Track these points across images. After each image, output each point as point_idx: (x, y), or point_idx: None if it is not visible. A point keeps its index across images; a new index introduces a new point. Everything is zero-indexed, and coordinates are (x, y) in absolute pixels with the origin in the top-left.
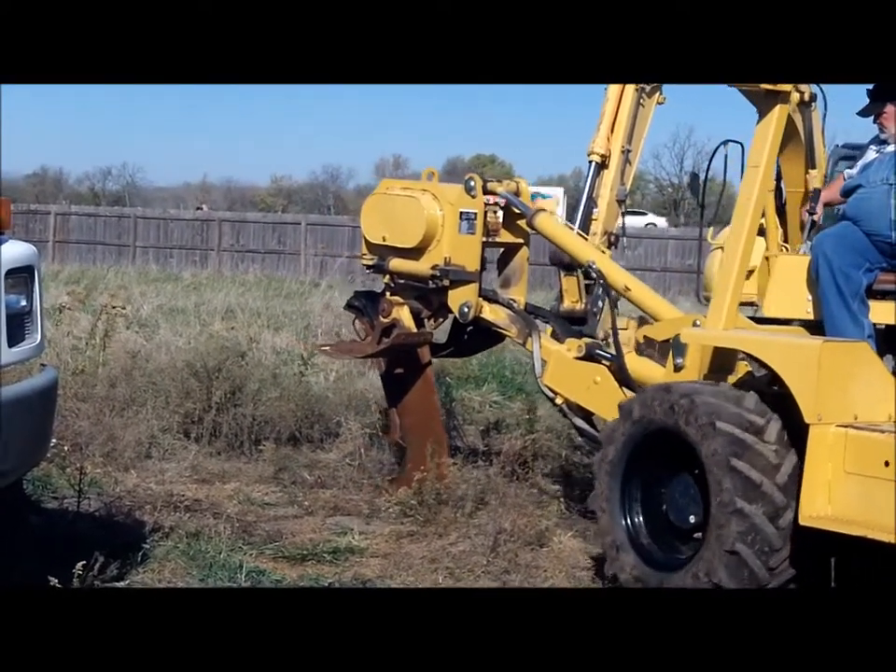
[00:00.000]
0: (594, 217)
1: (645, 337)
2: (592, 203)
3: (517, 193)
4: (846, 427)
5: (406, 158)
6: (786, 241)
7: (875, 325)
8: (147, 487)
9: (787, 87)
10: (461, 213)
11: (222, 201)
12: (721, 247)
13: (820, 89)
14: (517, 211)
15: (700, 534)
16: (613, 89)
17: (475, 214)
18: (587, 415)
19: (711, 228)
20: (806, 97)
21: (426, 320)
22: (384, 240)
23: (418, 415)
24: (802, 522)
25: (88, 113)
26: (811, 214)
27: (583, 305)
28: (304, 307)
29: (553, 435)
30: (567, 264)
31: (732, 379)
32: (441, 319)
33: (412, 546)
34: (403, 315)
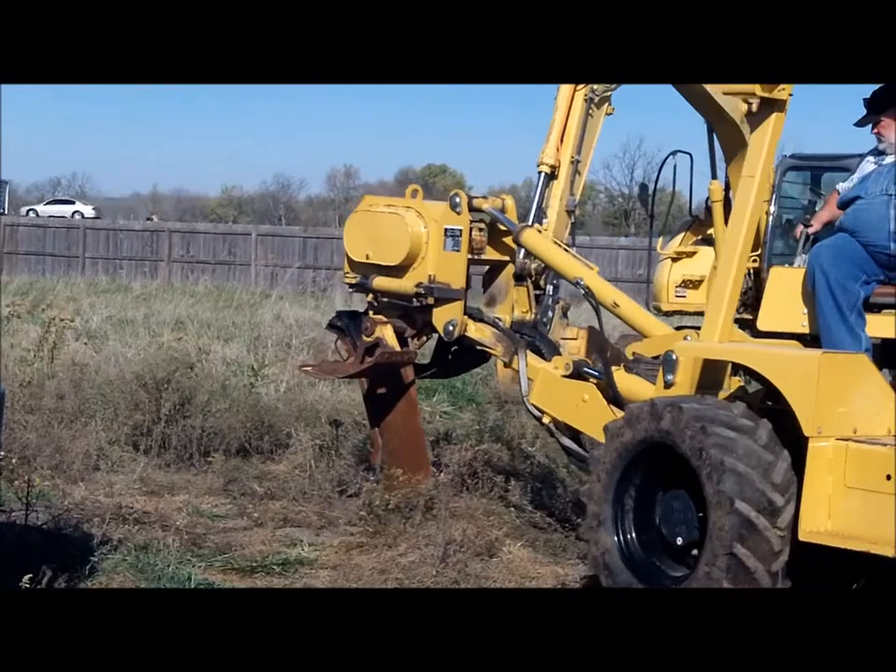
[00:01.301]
0: (543, 227)
1: (634, 353)
2: (541, 213)
3: (503, 210)
4: (846, 440)
5: (357, 168)
6: None
7: (871, 338)
8: (96, 500)
9: (783, 95)
10: (446, 230)
11: (172, 211)
12: (671, 257)
13: None
14: (503, 228)
15: (696, 551)
16: (562, 99)
17: (460, 231)
18: (575, 435)
19: (661, 238)
20: (754, 109)
21: (409, 339)
22: (367, 258)
23: (402, 436)
24: (802, 537)
25: (36, 122)
26: (806, 226)
27: (533, 315)
28: (255, 318)
29: (503, 445)
30: (517, 275)
31: (723, 395)
32: (425, 338)
33: (361, 557)
34: (387, 333)
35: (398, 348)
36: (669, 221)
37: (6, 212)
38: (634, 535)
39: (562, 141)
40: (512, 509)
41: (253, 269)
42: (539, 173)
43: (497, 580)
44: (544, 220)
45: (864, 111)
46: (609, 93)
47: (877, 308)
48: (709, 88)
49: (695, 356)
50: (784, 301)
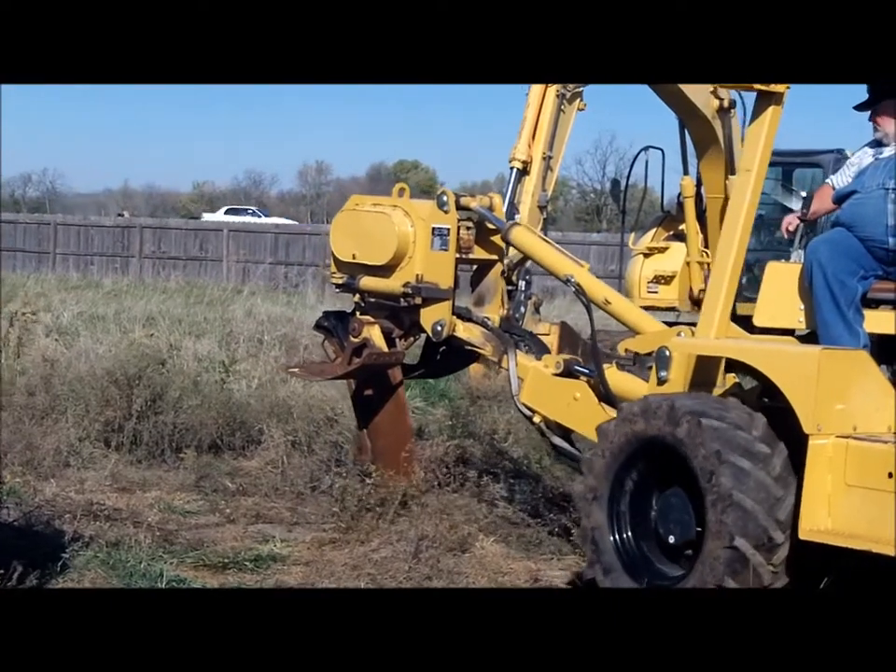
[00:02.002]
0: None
1: (627, 350)
2: (513, 209)
3: (490, 208)
4: (846, 438)
5: (329, 163)
6: (706, 247)
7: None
8: (67, 496)
9: (781, 88)
10: (433, 229)
11: (144, 207)
12: (643, 253)
13: (740, 96)
14: (491, 226)
15: (690, 551)
16: (534, 95)
17: (448, 230)
18: (566, 434)
19: (633, 233)
20: (726, 104)
21: (397, 340)
22: (354, 257)
23: (390, 437)
24: (802, 536)
25: (7, 118)
26: (802, 220)
27: (505, 311)
28: (226, 314)
29: (476, 441)
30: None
31: (719, 391)
32: (413, 339)
33: (334, 553)
34: (374, 334)
35: (385, 349)
36: (641, 217)
37: None
38: (630, 534)
39: (534, 137)
40: (485, 504)
41: (225, 264)
42: (511, 169)
43: (470, 575)
44: (516, 216)
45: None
46: (580, 89)
47: (875, 304)
48: (681, 84)
49: (691, 352)
50: (780, 297)
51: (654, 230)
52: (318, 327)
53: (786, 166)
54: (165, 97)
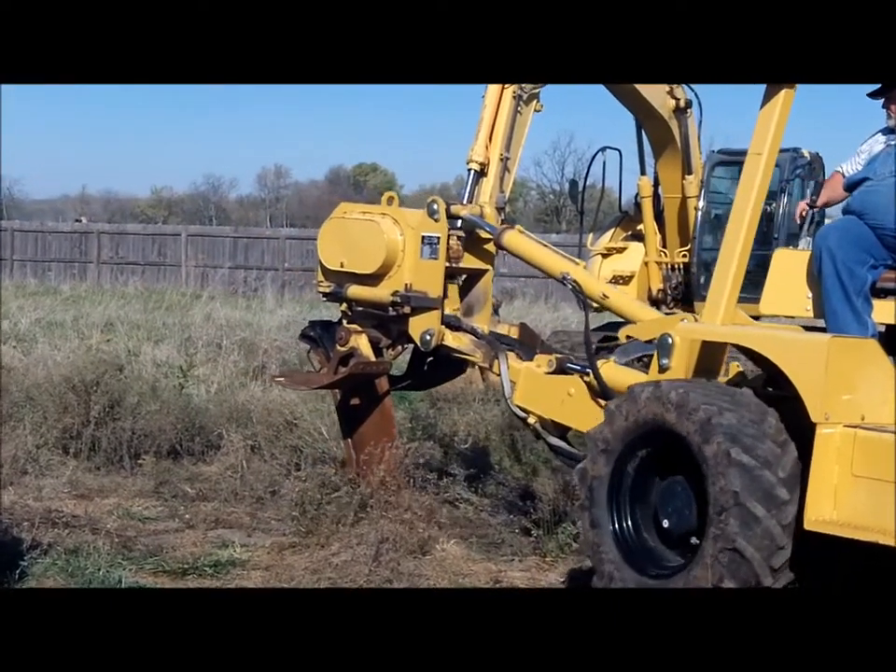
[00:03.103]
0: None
1: (628, 337)
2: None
3: (481, 216)
4: (854, 427)
5: (288, 167)
6: (664, 246)
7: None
8: (25, 504)
9: None
10: (423, 237)
11: (102, 212)
12: (601, 253)
13: (696, 95)
14: (483, 235)
15: (695, 539)
16: (491, 96)
17: (438, 238)
18: (562, 433)
19: (591, 234)
20: (682, 104)
21: (384, 350)
22: (341, 266)
23: (376, 449)
24: (807, 526)
25: None
26: (811, 207)
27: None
28: (185, 319)
29: (436, 442)
30: (449, 272)
31: (722, 380)
32: (401, 349)
33: (294, 557)
34: (362, 343)
35: (373, 358)
36: (599, 217)
37: None
38: (630, 522)
39: (491, 138)
40: (445, 506)
41: (183, 269)
42: (469, 170)
43: (431, 577)
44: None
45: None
46: (537, 90)
47: (884, 293)
48: (638, 84)
49: (698, 338)
50: (787, 285)
51: (612, 230)
52: (304, 336)
53: (741, 166)
54: (123, 100)
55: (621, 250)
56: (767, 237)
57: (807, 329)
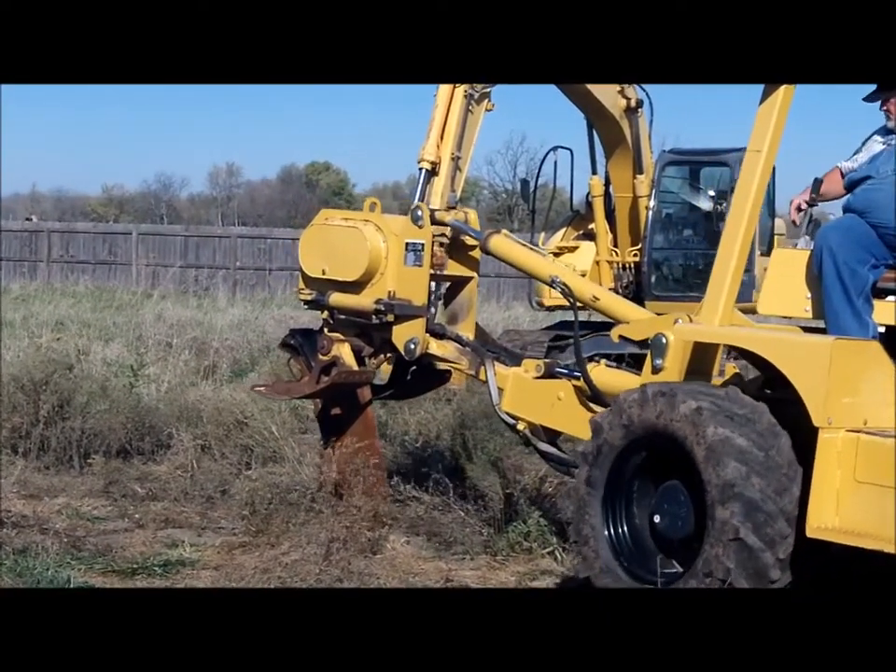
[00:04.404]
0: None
1: (620, 337)
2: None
3: (466, 222)
4: (856, 432)
5: (239, 165)
6: (615, 245)
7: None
8: None
9: None
10: (407, 244)
11: (52, 211)
12: (553, 252)
13: (647, 95)
14: (468, 241)
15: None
16: (442, 95)
17: (422, 245)
18: (552, 439)
19: (543, 233)
20: (633, 103)
21: (367, 358)
22: (323, 273)
23: (357, 459)
24: (809, 534)
25: None
26: (810, 205)
27: None
28: (136, 318)
29: (386, 442)
30: None
31: (718, 381)
32: (384, 357)
33: (244, 557)
34: (344, 352)
35: (355, 367)
36: (551, 217)
37: None
38: (626, 529)
39: (442, 137)
40: (396, 505)
41: (134, 268)
42: (420, 169)
43: (381, 576)
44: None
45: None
46: (488, 90)
47: (884, 294)
48: (588, 84)
49: (696, 339)
50: (786, 285)
51: (564, 229)
52: (284, 345)
53: (693, 165)
54: (74, 98)
55: (572, 249)
56: (718, 236)
57: (805, 329)
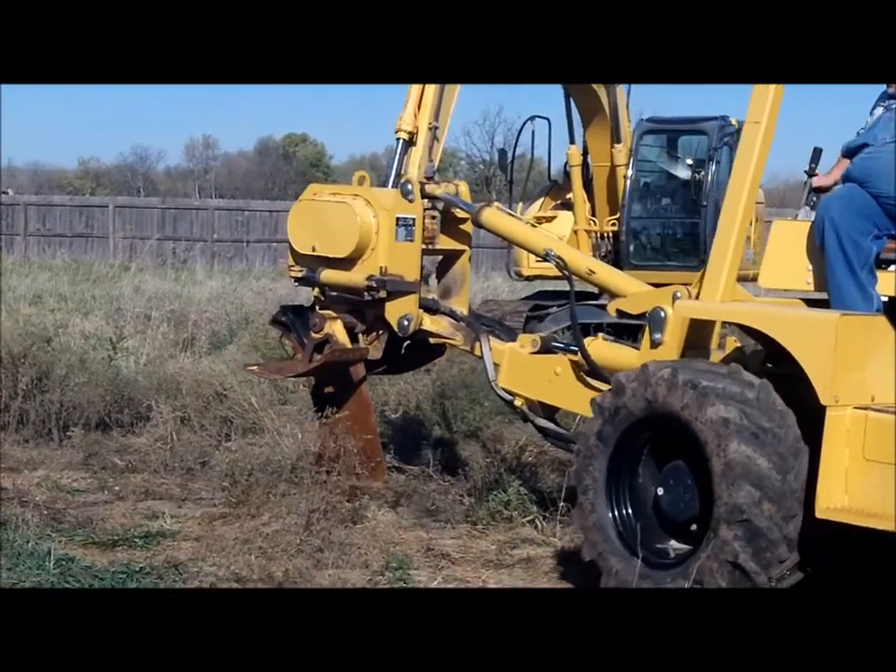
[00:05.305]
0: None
1: (617, 310)
2: (400, 180)
3: (457, 195)
4: (864, 409)
5: (216, 138)
6: (593, 215)
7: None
8: None
9: None
10: (398, 219)
11: (29, 184)
12: (531, 223)
13: None
14: (459, 214)
15: (695, 526)
16: None
17: (413, 219)
18: (550, 414)
19: (521, 203)
20: None
21: (360, 335)
22: (313, 250)
23: (352, 436)
24: (819, 514)
25: None
26: (811, 176)
27: None
28: (114, 291)
29: None
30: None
31: (717, 356)
32: (377, 334)
33: (224, 528)
34: (337, 329)
35: (349, 345)
36: (529, 187)
37: None
38: (633, 515)
39: (420, 107)
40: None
41: (111, 241)
42: (398, 139)
43: (362, 546)
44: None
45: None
46: None
47: (885, 264)
48: None
49: (696, 316)
50: (787, 257)
51: (542, 199)
52: (275, 322)
53: (671, 134)
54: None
55: (550, 219)
56: (696, 205)
57: (808, 302)
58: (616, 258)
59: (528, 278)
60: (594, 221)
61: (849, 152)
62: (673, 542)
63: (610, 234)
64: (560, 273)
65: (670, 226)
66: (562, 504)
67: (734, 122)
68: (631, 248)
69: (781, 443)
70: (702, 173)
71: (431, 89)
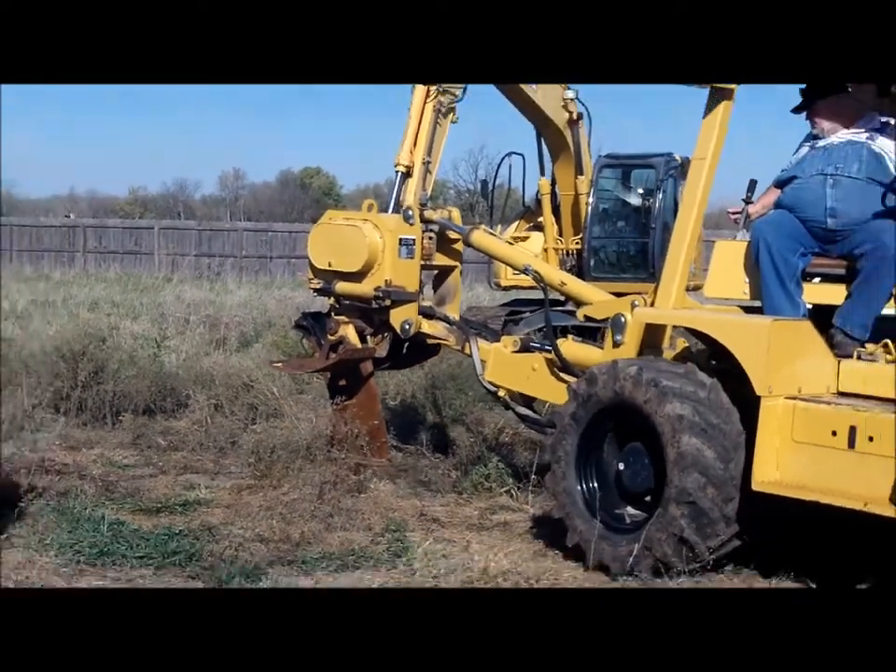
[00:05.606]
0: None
1: (585, 316)
2: (398, 207)
3: (450, 219)
4: (793, 399)
5: (244, 171)
6: (560, 235)
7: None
8: (23, 455)
9: (732, 85)
10: (400, 239)
11: (87, 210)
12: (508, 241)
13: (586, 109)
14: (452, 236)
15: (649, 497)
16: (415, 109)
17: (414, 240)
18: (528, 403)
19: (500, 225)
20: (575, 116)
21: (369, 337)
22: (329, 265)
23: (361, 422)
24: (755, 487)
25: None
26: (747, 203)
27: None
28: (158, 299)
29: None
30: None
31: (669, 354)
32: (383, 336)
33: (250, 497)
34: (349, 332)
35: (359, 345)
36: (506, 212)
37: None
38: (597, 486)
39: (415, 145)
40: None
41: (156, 257)
42: (396, 172)
43: (366, 512)
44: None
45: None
46: (454, 105)
47: (810, 277)
48: (537, 99)
49: (653, 321)
50: (728, 272)
51: (517, 222)
52: (297, 326)
53: (625, 168)
54: (104, 112)
55: (524, 238)
56: (646, 227)
57: (745, 309)
58: (580, 271)
59: (506, 288)
60: (560, 240)
61: (780, 183)
62: (629, 509)
63: (575, 251)
64: (533, 284)
65: (624, 244)
66: (533, 477)
67: (677, 158)
68: (592, 263)
69: (726, 437)
70: (651, 200)
71: (425, 129)
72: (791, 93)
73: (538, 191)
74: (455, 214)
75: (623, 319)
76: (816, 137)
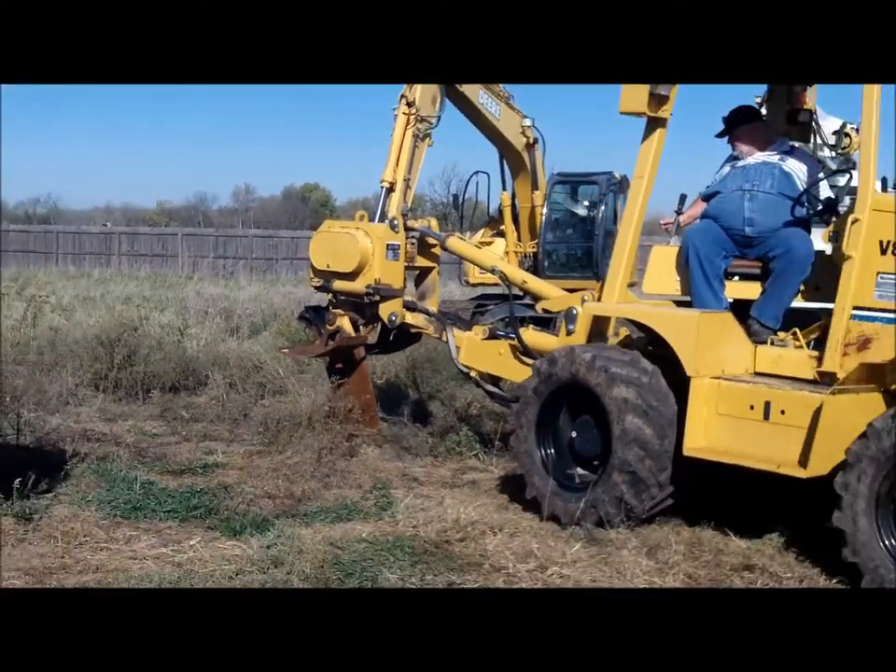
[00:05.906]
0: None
1: (543, 309)
2: (384, 217)
3: (429, 227)
4: (717, 378)
5: (254, 186)
6: (520, 240)
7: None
8: (68, 426)
9: (665, 115)
10: (387, 245)
11: (121, 219)
12: (476, 246)
13: (541, 134)
14: (431, 241)
15: (597, 462)
16: (396, 134)
17: (398, 245)
18: (495, 381)
19: (468, 232)
20: (531, 141)
21: (361, 327)
22: (328, 266)
23: (355, 399)
24: (686, 453)
25: (18, 152)
26: (679, 214)
27: None
28: (181, 294)
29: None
30: None
31: (613, 341)
32: (373, 326)
33: (260, 460)
34: (345, 323)
35: (353, 334)
36: (474, 221)
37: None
38: (553, 450)
39: (397, 164)
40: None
41: (180, 259)
42: (382, 187)
43: (356, 472)
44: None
45: (723, 126)
46: (430, 131)
47: (732, 276)
48: (500, 126)
49: (601, 314)
50: (663, 272)
51: (483, 229)
52: (301, 317)
53: (573, 184)
54: (135, 136)
55: (489, 243)
56: (591, 234)
57: (677, 303)
58: (536, 271)
59: (474, 285)
60: (520, 245)
61: (706, 197)
62: (579, 470)
63: (532, 254)
64: (497, 281)
65: (573, 248)
66: (497, 443)
67: (617, 176)
68: (546, 264)
69: (663, 417)
70: (595, 211)
71: (405, 151)
72: (716, 121)
73: (500, 204)
74: (434, 223)
75: (574, 312)
76: (736, 158)
